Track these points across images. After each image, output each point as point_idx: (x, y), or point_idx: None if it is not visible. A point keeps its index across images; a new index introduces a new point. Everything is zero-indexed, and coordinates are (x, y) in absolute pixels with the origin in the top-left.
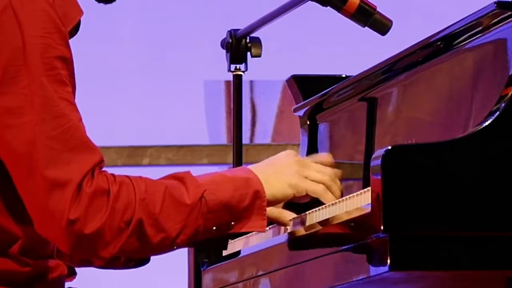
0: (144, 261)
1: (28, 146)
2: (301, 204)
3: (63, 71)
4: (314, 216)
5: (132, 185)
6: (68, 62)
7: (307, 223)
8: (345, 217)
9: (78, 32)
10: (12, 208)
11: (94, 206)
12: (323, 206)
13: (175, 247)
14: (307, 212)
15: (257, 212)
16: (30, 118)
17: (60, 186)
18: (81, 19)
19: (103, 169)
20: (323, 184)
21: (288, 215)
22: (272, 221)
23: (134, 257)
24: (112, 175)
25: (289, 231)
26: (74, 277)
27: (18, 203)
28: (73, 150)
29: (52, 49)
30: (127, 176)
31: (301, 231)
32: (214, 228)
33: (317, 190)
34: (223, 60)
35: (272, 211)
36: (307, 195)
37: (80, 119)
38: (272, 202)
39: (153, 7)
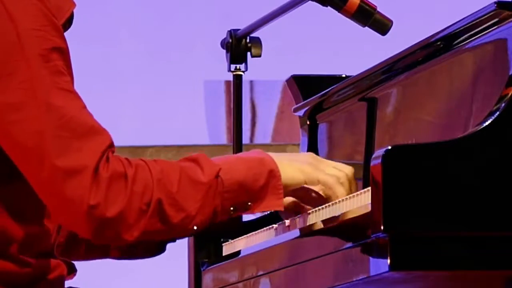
0: (160, 251)
1: (36, 138)
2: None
3: (60, 61)
4: (315, 216)
5: (148, 166)
6: (64, 52)
7: (308, 223)
8: (345, 217)
9: (79, 32)
10: (10, 206)
11: (114, 190)
12: (324, 206)
13: (194, 228)
14: (307, 212)
15: (273, 191)
16: (35, 110)
17: (76, 173)
18: (76, 13)
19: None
20: (337, 177)
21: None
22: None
23: (156, 240)
24: (126, 158)
25: (289, 230)
26: (75, 274)
27: (17, 201)
28: (83, 136)
29: (47, 41)
30: (141, 159)
31: (301, 230)
32: (232, 208)
33: (329, 180)
34: (223, 60)
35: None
36: (314, 201)
37: (84, 106)
38: (283, 186)
39: (153, 7)
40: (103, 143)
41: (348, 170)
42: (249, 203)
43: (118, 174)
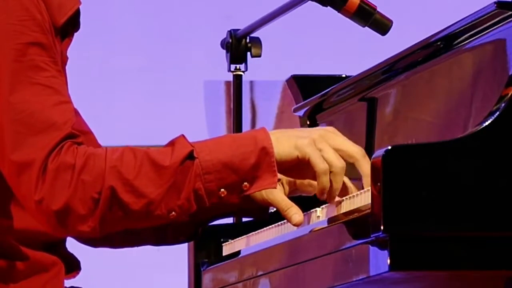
0: (193, 235)
1: None
2: (302, 202)
3: (39, 56)
4: (314, 216)
5: (105, 155)
6: (46, 48)
7: (307, 223)
8: (345, 217)
9: (79, 32)
10: (3, 197)
11: (59, 182)
12: (323, 206)
13: (171, 214)
14: (307, 212)
15: (267, 169)
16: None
17: (26, 168)
18: (82, 14)
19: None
20: (329, 165)
21: (297, 211)
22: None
23: (133, 228)
24: (86, 148)
25: (289, 230)
26: (78, 273)
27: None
28: (40, 132)
29: (23, 36)
30: (106, 148)
31: (301, 230)
32: (222, 190)
33: (319, 164)
34: (223, 60)
35: (282, 198)
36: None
37: (60, 102)
38: (279, 162)
39: (153, 6)
40: (57, 136)
41: (352, 150)
42: (245, 183)
43: (65, 166)
